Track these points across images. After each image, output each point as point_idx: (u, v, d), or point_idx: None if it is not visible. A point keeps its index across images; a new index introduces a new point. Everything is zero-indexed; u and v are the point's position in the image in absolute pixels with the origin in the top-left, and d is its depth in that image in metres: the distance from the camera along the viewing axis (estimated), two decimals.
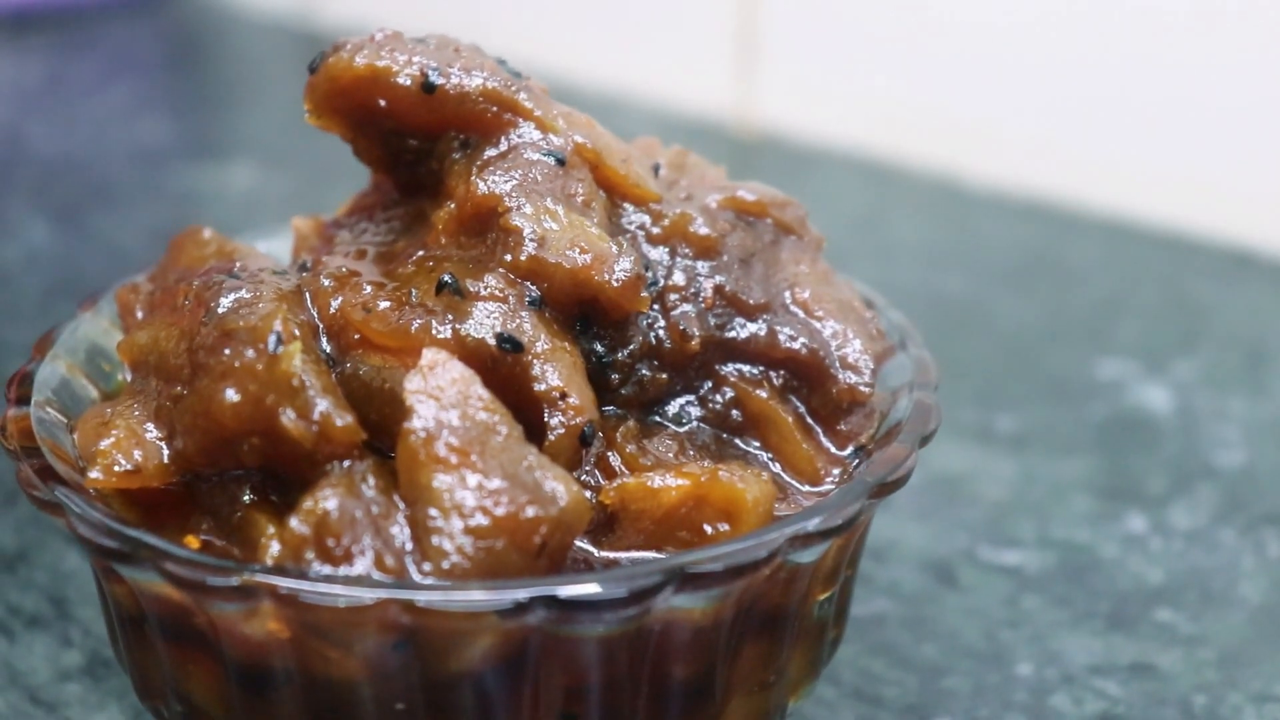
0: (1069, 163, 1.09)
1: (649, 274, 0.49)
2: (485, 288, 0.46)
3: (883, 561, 0.66)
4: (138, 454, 0.45)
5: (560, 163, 0.49)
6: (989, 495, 0.72)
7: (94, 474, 0.45)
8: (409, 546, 0.42)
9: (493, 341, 0.45)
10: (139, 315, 0.51)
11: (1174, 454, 0.77)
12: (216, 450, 0.44)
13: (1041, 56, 1.10)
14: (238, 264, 0.49)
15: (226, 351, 0.44)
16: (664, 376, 0.49)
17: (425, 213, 0.51)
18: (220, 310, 0.46)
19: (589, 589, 0.41)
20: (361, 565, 0.41)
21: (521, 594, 0.40)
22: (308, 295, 0.48)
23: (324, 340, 0.47)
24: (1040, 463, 0.76)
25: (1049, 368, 0.87)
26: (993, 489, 0.73)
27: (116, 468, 0.45)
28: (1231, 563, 0.67)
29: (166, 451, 0.45)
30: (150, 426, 0.46)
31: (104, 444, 0.45)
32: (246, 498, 0.45)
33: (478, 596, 0.40)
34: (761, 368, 0.50)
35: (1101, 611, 0.64)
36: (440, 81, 0.49)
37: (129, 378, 0.53)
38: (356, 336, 0.47)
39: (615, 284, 0.47)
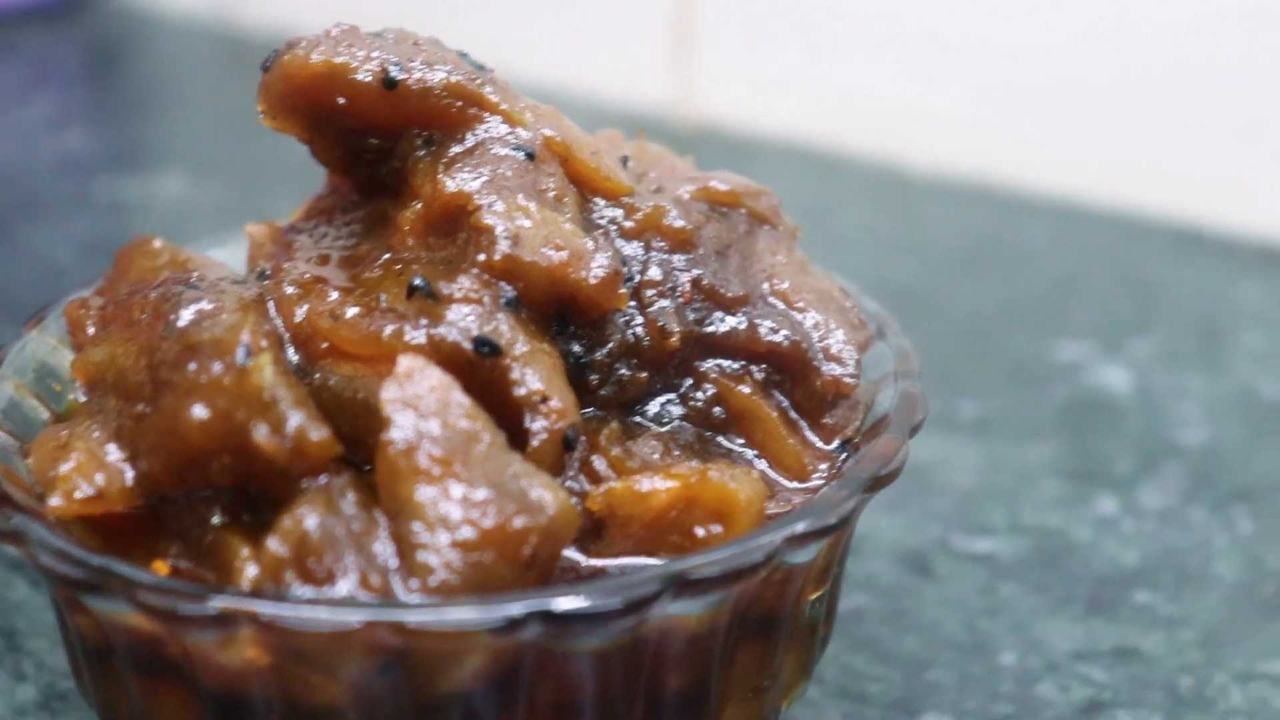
0: (1011, 146, 1.09)
1: (625, 269, 0.47)
2: (459, 289, 0.44)
3: (858, 555, 0.65)
4: (100, 478, 0.43)
5: (530, 157, 0.47)
6: (958, 483, 0.71)
7: (54, 501, 0.42)
8: (394, 563, 0.40)
9: (469, 345, 0.43)
10: (91, 331, 0.49)
11: (1138, 434, 0.76)
12: (184, 470, 0.42)
13: (979, 40, 1.09)
14: (194, 274, 0.47)
15: (191, 366, 0.42)
16: (644, 375, 0.47)
17: (388, 214, 0.49)
18: (181, 323, 0.44)
19: (584, 601, 0.39)
20: (345, 585, 0.40)
21: (515, 609, 0.38)
22: (271, 304, 0.46)
23: (290, 350, 0.45)
24: (1006, 448, 0.75)
25: (1007, 352, 0.86)
26: (961, 476, 0.72)
27: (78, 493, 0.42)
28: (1204, 541, 0.67)
29: (130, 474, 0.43)
30: (111, 448, 0.43)
31: (64, 469, 0.43)
32: (217, 519, 0.43)
33: (470, 615, 0.38)
34: (742, 362, 0.49)
35: (1080, 596, 0.63)
36: (402, 77, 0.47)
37: (81, 397, 0.51)
38: (325, 345, 0.45)
39: (593, 281, 0.45)
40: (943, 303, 0.92)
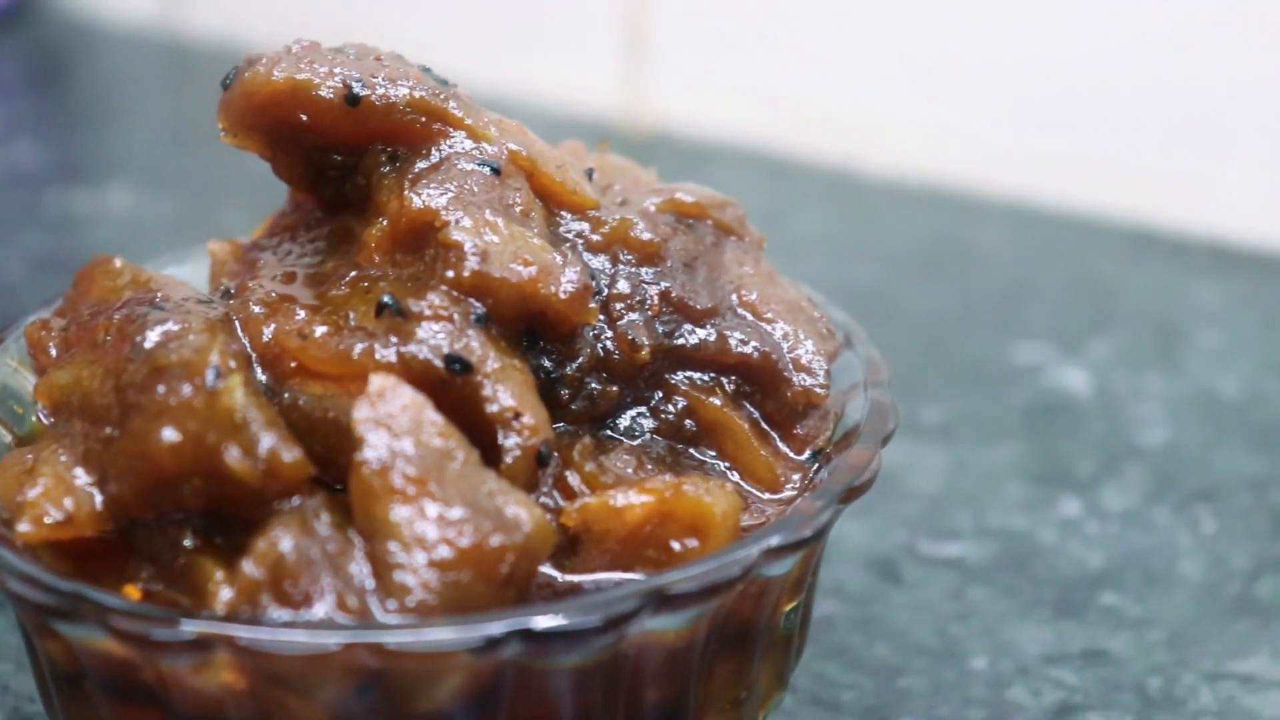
0: (964, 148, 1.09)
1: (594, 283, 0.47)
2: (428, 307, 0.44)
3: (826, 563, 0.65)
4: (68, 502, 0.42)
5: (495, 172, 0.47)
6: (922, 488, 0.72)
7: (23, 527, 0.42)
8: (370, 584, 0.40)
9: (440, 363, 0.43)
10: (53, 353, 0.48)
11: (1099, 435, 0.77)
12: (155, 494, 0.41)
13: (930, 44, 1.10)
14: (159, 294, 0.47)
15: (160, 389, 0.41)
16: (614, 389, 0.47)
17: (353, 231, 0.49)
18: (147, 345, 0.43)
19: (564, 619, 0.39)
20: (322, 607, 0.39)
21: (495, 628, 0.38)
22: (237, 323, 0.45)
23: (258, 370, 0.45)
24: (969, 451, 0.75)
25: (966, 355, 0.86)
26: (925, 481, 0.72)
27: (47, 519, 0.42)
28: (1168, 542, 0.67)
29: (99, 498, 0.42)
30: (79, 472, 0.43)
31: (31, 494, 0.42)
32: (188, 542, 0.42)
33: (449, 635, 0.38)
34: (712, 374, 0.49)
35: (1048, 599, 0.63)
36: (365, 93, 0.47)
37: (43, 419, 0.50)
38: (293, 365, 0.44)
39: (563, 296, 0.45)
40: (902, 306, 0.92)
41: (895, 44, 1.11)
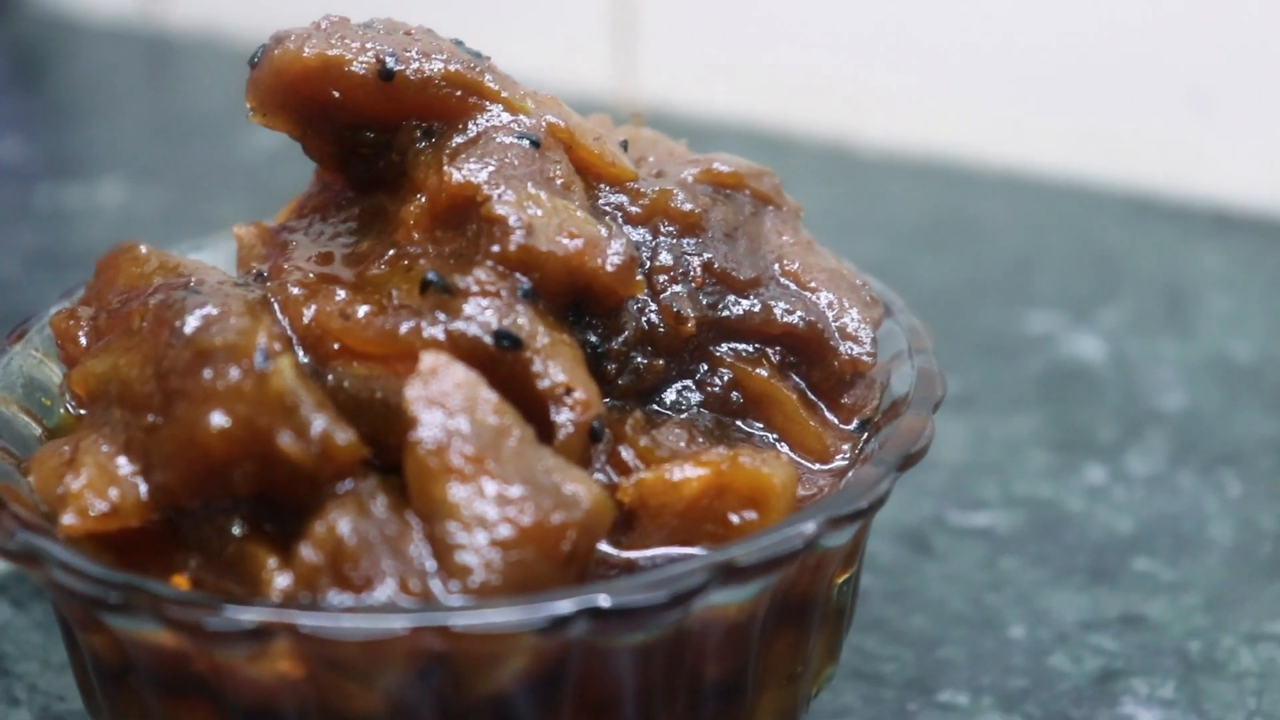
0: (960, 120, 1.09)
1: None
2: (474, 283, 0.43)
3: None
4: (113, 492, 0.41)
5: (535, 145, 0.46)
6: (947, 459, 0.71)
7: (68, 519, 0.41)
8: (431, 566, 0.39)
9: (490, 340, 0.42)
10: (83, 343, 0.47)
11: (1117, 401, 0.77)
12: (203, 481, 0.40)
13: (924, 15, 1.09)
14: (192, 278, 0.46)
15: (207, 373, 0.40)
16: (660, 362, 0.46)
17: (386, 209, 0.48)
18: (188, 329, 0.42)
19: (632, 596, 0.38)
20: (384, 591, 0.38)
21: (563, 607, 0.37)
22: (276, 305, 0.44)
23: (300, 353, 0.44)
24: (990, 421, 0.75)
25: (978, 326, 0.86)
26: (949, 452, 0.72)
27: (92, 510, 0.41)
28: (1195, 505, 0.67)
29: (143, 487, 0.41)
30: (122, 461, 0.42)
31: (75, 485, 0.41)
32: (238, 529, 0.41)
33: (517, 615, 0.37)
34: (757, 345, 0.48)
35: (1080, 566, 0.63)
36: (399, 68, 0.46)
37: (71, 411, 0.49)
38: (336, 346, 0.44)
39: (609, 269, 0.44)
40: (908, 280, 0.91)
41: (887, 15, 1.11)
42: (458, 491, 0.39)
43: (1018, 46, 1.05)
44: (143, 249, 0.50)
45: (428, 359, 0.41)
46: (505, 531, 0.39)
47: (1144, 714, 0.54)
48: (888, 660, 0.57)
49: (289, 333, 0.44)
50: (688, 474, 0.43)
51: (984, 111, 1.08)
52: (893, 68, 1.11)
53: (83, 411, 0.48)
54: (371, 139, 0.48)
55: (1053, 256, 0.95)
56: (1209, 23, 0.98)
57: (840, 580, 0.47)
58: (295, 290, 0.44)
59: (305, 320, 0.44)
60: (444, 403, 0.40)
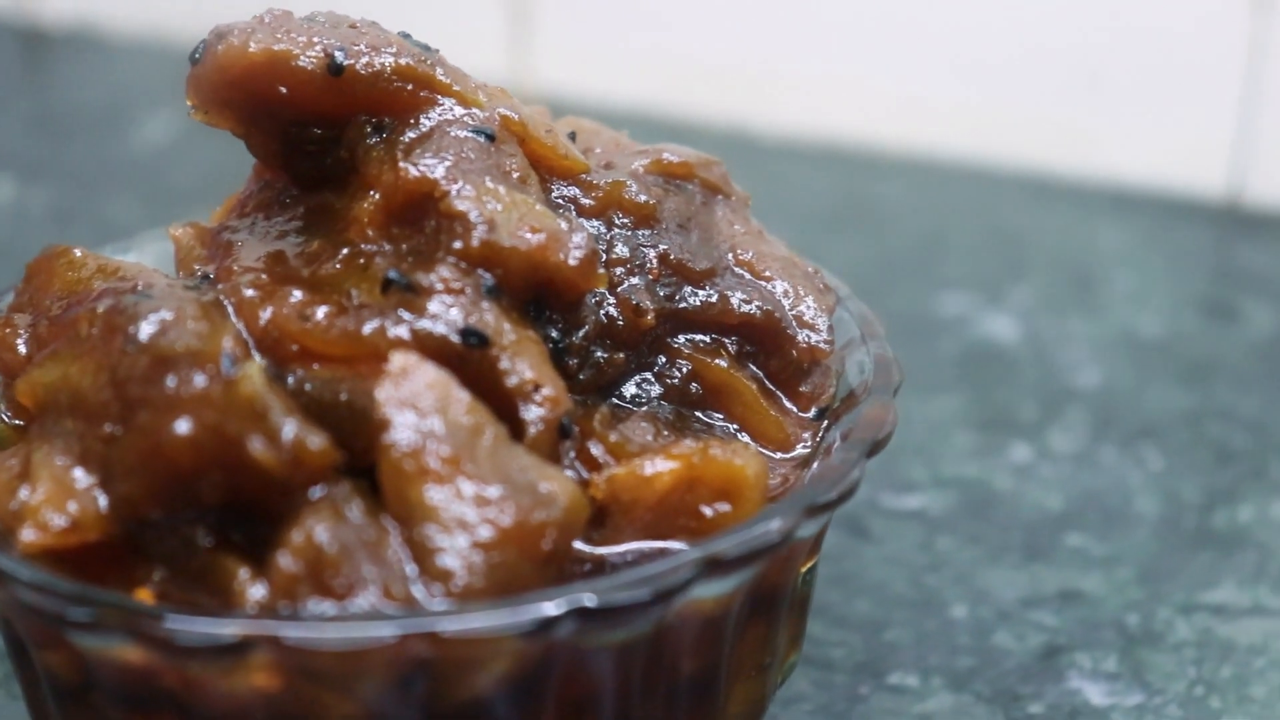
0: (858, 103, 1.10)
1: None
2: (439, 280, 0.42)
3: None
4: (72, 506, 0.40)
5: (490, 139, 0.45)
6: None
7: (27, 535, 0.39)
8: (411, 570, 0.38)
9: (457, 338, 0.41)
10: (23, 351, 0.45)
11: (1035, 380, 0.78)
12: (168, 491, 0.39)
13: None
14: (139, 282, 0.44)
15: (170, 380, 0.39)
16: (620, 356, 0.46)
17: (333, 206, 0.47)
18: (143, 336, 0.41)
19: (618, 594, 0.38)
20: (367, 598, 0.38)
21: (551, 608, 0.37)
22: (230, 308, 0.43)
23: (257, 356, 0.43)
24: (912, 403, 0.75)
25: (891, 309, 0.85)
26: None
27: (52, 525, 0.39)
28: (1120, 480, 0.68)
29: (103, 499, 0.40)
30: (79, 474, 0.40)
31: (33, 499, 0.40)
32: (204, 540, 0.40)
33: (504, 618, 0.37)
34: (714, 335, 0.48)
35: (1015, 544, 0.64)
36: (348, 62, 0.45)
37: (8, 421, 0.47)
38: (295, 349, 0.42)
39: (572, 263, 0.44)
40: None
41: (778, 1, 1.11)
42: (436, 494, 0.38)
43: (916, 31, 1.06)
44: (77, 252, 0.48)
45: (398, 359, 0.40)
46: (486, 533, 0.38)
47: (1090, 687, 0.55)
48: (836, 645, 0.58)
49: (245, 336, 0.43)
50: (659, 468, 0.42)
51: (884, 95, 1.09)
52: (792, 53, 1.11)
53: (20, 423, 0.46)
54: (318, 135, 0.47)
55: (958, 238, 0.96)
56: (1101, 5, 1.00)
57: (804, 569, 0.47)
58: (249, 292, 0.43)
59: (262, 323, 0.43)
60: (416, 404, 0.39)
